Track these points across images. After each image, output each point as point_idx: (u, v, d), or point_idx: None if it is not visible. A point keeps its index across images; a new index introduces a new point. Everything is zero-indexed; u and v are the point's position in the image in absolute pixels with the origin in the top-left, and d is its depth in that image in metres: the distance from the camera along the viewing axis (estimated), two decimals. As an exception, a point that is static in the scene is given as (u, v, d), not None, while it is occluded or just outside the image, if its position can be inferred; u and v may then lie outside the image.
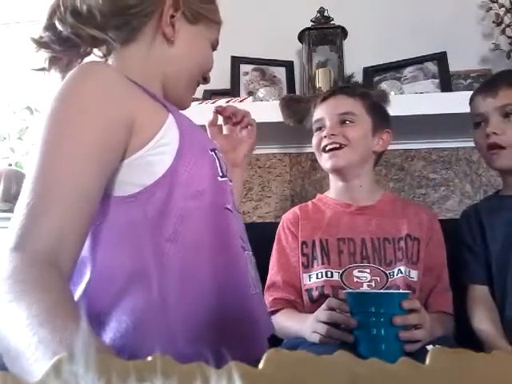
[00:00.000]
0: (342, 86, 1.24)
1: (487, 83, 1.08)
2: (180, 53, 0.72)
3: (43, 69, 0.69)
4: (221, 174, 0.67)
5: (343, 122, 1.07)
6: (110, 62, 0.71)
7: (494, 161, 1.02)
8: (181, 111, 0.70)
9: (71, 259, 0.52)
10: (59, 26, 0.64)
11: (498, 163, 1.02)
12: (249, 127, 0.91)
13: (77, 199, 0.53)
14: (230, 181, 0.72)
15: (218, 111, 0.89)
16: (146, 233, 0.59)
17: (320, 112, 1.11)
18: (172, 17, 0.70)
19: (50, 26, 0.65)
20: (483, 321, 0.96)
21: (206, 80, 0.80)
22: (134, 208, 0.59)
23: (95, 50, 0.71)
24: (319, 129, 1.11)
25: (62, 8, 0.64)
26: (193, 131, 0.67)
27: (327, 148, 1.07)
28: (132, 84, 0.63)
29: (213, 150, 0.68)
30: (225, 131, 0.92)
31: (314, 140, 1.12)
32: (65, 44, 0.66)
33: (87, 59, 0.71)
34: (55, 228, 0.50)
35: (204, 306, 0.59)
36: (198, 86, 0.80)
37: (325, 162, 1.09)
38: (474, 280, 1.03)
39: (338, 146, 1.06)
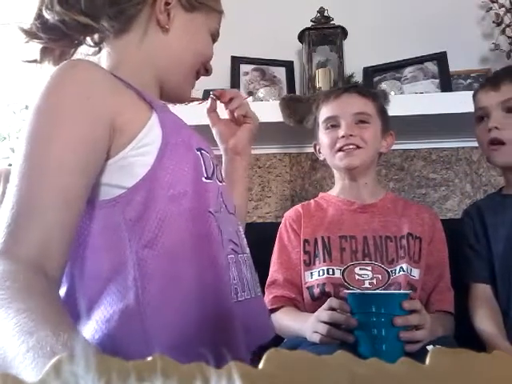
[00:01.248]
0: (354, 85, 1.23)
1: (491, 78, 1.07)
2: (176, 41, 0.70)
3: (35, 60, 0.67)
4: (205, 175, 0.64)
5: (357, 123, 1.07)
6: (102, 52, 0.69)
7: (494, 157, 1.01)
8: (171, 109, 0.68)
9: (58, 265, 0.51)
10: (46, 14, 0.62)
11: (497, 159, 1.01)
12: (247, 113, 0.87)
13: (62, 204, 0.51)
14: (220, 181, 0.69)
15: (216, 96, 0.87)
16: (126, 238, 0.57)
17: (332, 109, 1.09)
18: (167, 4, 0.68)
19: (39, 16, 0.64)
20: (485, 321, 0.95)
21: (207, 71, 0.77)
22: (116, 212, 0.57)
23: (88, 40, 0.69)
24: (331, 127, 1.09)
25: None
26: (178, 130, 0.64)
27: (344, 149, 1.06)
28: (116, 81, 0.62)
29: (199, 149, 0.65)
30: (226, 116, 0.89)
31: (327, 139, 1.09)
32: (52, 32, 0.64)
33: (81, 49, 0.69)
34: (40, 234, 0.49)
35: (183, 312, 0.58)
36: (198, 78, 0.77)
37: (339, 160, 1.07)
38: (476, 279, 1.03)
39: (354, 147, 1.05)
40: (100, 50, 0.70)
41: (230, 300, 0.62)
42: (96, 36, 0.68)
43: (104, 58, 0.70)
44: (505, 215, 1.02)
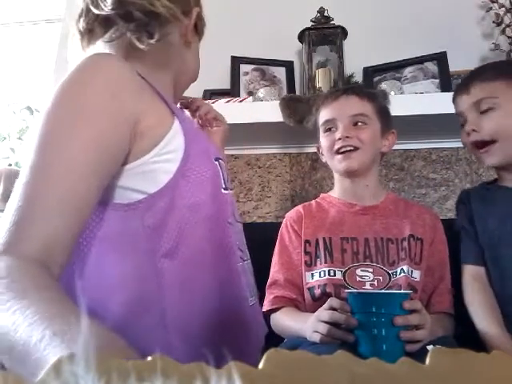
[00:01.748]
0: (351, 87, 1.23)
1: (461, 82, 1.08)
2: (191, 57, 0.76)
3: (90, 30, 0.66)
4: (224, 186, 0.65)
5: (355, 124, 1.07)
6: (123, 40, 0.67)
7: (486, 160, 1.00)
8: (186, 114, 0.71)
9: (62, 264, 0.51)
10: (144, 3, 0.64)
11: (489, 161, 1.00)
12: (216, 116, 0.89)
13: (68, 205, 0.50)
14: (231, 189, 0.70)
15: (184, 105, 0.88)
16: (143, 245, 0.56)
17: (330, 112, 1.10)
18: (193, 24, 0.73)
19: (121, 5, 0.64)
20: (483, 315, 0.93)
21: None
22: (133, 217, 0.56)
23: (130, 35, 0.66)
24: (329, 129, 1.10)
25: None
26: (198, 138, 0.65)
27: (341, 150, 1.07)
28: (142, 82, 0.61)
29: (217, 159, 0.65)
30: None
31: (326, 142, 1.10)
32: (131, 22, 0.65)
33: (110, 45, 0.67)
34: (44, 234, 0.49)
35: (203, 320, 0.58)
36: None
37: (338, 163, 1.08)
38: (468, 260, 1.02)
39: (352, 148, 1.06)
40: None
41: (247, 305, 0.64)
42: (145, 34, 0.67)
43: (124, 45, 0.67)
44: (495, 206, 1.01)
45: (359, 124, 1.07)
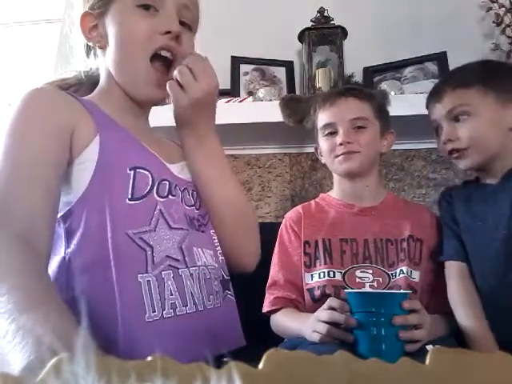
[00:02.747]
0: (350, 88, 1.22)
1: (434, 88, 1.05)
2: (114, 47, 0.72)
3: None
4: (129, 197, 0.64)
5: (355, 128, 1.07)
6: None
7: (458, 163, 1.00)
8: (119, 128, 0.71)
9: (45, 241, 0.55)
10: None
11: (462, 165, 1.00)
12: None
13: (40, 183, 0.58)
14: (164, 197, 0.68)
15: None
16: (61, 249, 0.61)
17: (330, 116, 1.09)
18: (91, 29, 0.74)
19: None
20: (467, 314, 0.92)
21: (175, 38, 0.71)
22: (60, 223, 0.62)
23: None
24: (329, 134, 1.09)
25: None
26: (115, 150, 0.66)
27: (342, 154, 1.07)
28: (75, 103, 0.69)
29: (134, 168, 0.66)
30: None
31: (326, 146, 1.10)
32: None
33: None
34: (23, 207, 0.54)
35: (102, 325, 0.56)
36: (169, 64, 0.72)
37: (339, 165, 1.08)
38: (452, 257, 1.00)
39: (352, 152, 1.06)
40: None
41: (142, 318, 0.59)
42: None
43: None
44: (475, 205, 1.00)
45: (359, 128, 1.07)
